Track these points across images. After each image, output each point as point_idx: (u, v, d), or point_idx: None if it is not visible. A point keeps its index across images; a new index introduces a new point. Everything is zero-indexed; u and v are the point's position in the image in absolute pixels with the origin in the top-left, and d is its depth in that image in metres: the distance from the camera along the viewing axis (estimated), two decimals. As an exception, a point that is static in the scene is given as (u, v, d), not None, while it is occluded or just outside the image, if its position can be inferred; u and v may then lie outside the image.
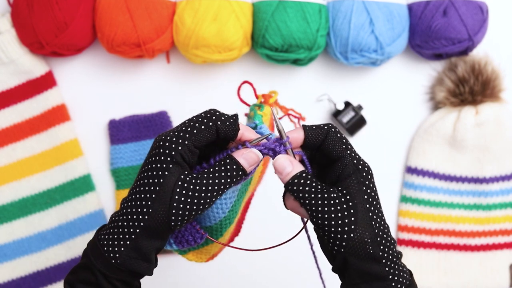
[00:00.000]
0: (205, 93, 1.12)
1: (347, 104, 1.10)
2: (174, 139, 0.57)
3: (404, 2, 1.07)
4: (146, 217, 0.56)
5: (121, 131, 1.10)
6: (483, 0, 1.07)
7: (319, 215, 0.57)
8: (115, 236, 0.57)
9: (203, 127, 0.58)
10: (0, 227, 1.08)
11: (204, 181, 0.57)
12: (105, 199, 1.11)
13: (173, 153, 0.56)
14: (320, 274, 0.71)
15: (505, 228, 1.11)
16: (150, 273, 0.60)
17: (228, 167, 0.58)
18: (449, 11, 1.04)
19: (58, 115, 1.09)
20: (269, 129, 0.72)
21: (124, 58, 1.09)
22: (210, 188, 0.57)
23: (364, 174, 0.58)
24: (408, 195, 1.11)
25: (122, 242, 0.57)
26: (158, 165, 0.56)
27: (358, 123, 1.10)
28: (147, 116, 1.10)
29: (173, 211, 0.56)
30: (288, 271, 1.11)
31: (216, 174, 0.58)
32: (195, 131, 0.57)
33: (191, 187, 0.57)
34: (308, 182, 0.58)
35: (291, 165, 0.59)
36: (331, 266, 0.61)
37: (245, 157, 0.59)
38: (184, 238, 0.66)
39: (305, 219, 0.64)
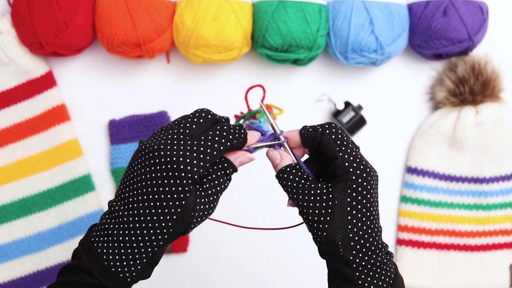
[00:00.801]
0: (205, 93, 1.12)
1: (347, 104, 1.10)
2: (195, 161, 0.56)
3: (404, 2, 1.07)
4: (166, 236, 0.57)
5: (121, 131, 1.10)
6: (483, 0, 1.07)
7: (300, 208, 0.60)
8: (130, 257, 0.57)
9: (222, 148, 0.58)
10: (0, 227, 1.08)
11: (214, 190, 0.59)
12: (105, 199, 1.11)
13: (196, 176, 0.56)
14: None
15: (505, 228, 1.11)
16: (149, 276, 0.62)
17: (228, 171, 0.61)
18: (449, 11, 1.04)
19: (58, 115, 1.09)
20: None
21: (124, 58, 1.09)
22: (218, 194, 0.60)
23: (354, 177, 0.58)
24: (408, 195, 1.11)
25: (138, 261, 0.57)
26: (180, 188, 0.56)
27: (358, 123, 1.10)
28: (147, 116, 1.10)
29: (192, 226, 0.58)
30: (291, 267, 1.11)
31: (221, 180, 0.60)
32: (215, 153, 0.58)
33: (206, 199, 0.58)
34: (292, 176, 0.60)
35: (279, 157, 0.62)
36: None
37: (240, 160, 0.62)
38: None
39: None
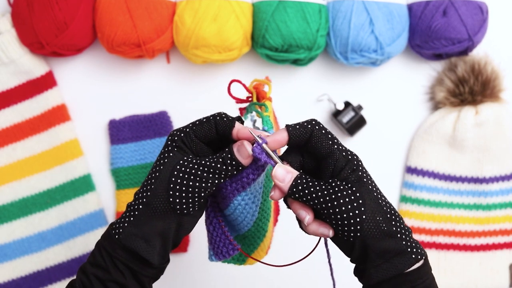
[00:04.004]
0: (205, 93, 1.12)
1: (347, 104, 1.10)
2: (180, 128, 0.64)
3: (404, 2, 1.07)
4: (149, 193, 0.62)
5: (121, 131, 1.10)
6: (483, 0, 1.07)
7: (330, 210, 0.59)
8: (122, 214, 0.63)
9: (204, 120, 0.64)
10: (0, 227, 1.08)
11: (203, 162, 0.62)
12: (105, 199, 1.11)
13: (176, 138, 0.63)
14: (334, 283, 0.71)
15: (505, 228, 1.11)
16: (151, 257, 0.63)
17: (224, 154, 0.62)
18: (449, 11, 1.04)
19: (58, 115, 1.09)
20: (273, 124, 0.74)
21: (124, 58, 1.10)
22: (206, 169, 0.61)
23: (355, 162, 0.61)
24: (408, 195, 1.11)
25: (126, 219, 0.63)
26: (165, 149, 0.63)
27: (358, 123, 1.10)
28: (147, 116, 1.10)
29: (171, 185, 0.61)
30: (290, 268, 1.11)
31: (215, 159, 0.62)
32: (197, 123, 0.64)
33: (190, 165, 0.61)
34: (305, 185, 0.60)
35: (288, 174, 0.61)
36: (343, 278, 0.63)
37: (238, 148, 0.63)
38: (219, 249, 0.70)
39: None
